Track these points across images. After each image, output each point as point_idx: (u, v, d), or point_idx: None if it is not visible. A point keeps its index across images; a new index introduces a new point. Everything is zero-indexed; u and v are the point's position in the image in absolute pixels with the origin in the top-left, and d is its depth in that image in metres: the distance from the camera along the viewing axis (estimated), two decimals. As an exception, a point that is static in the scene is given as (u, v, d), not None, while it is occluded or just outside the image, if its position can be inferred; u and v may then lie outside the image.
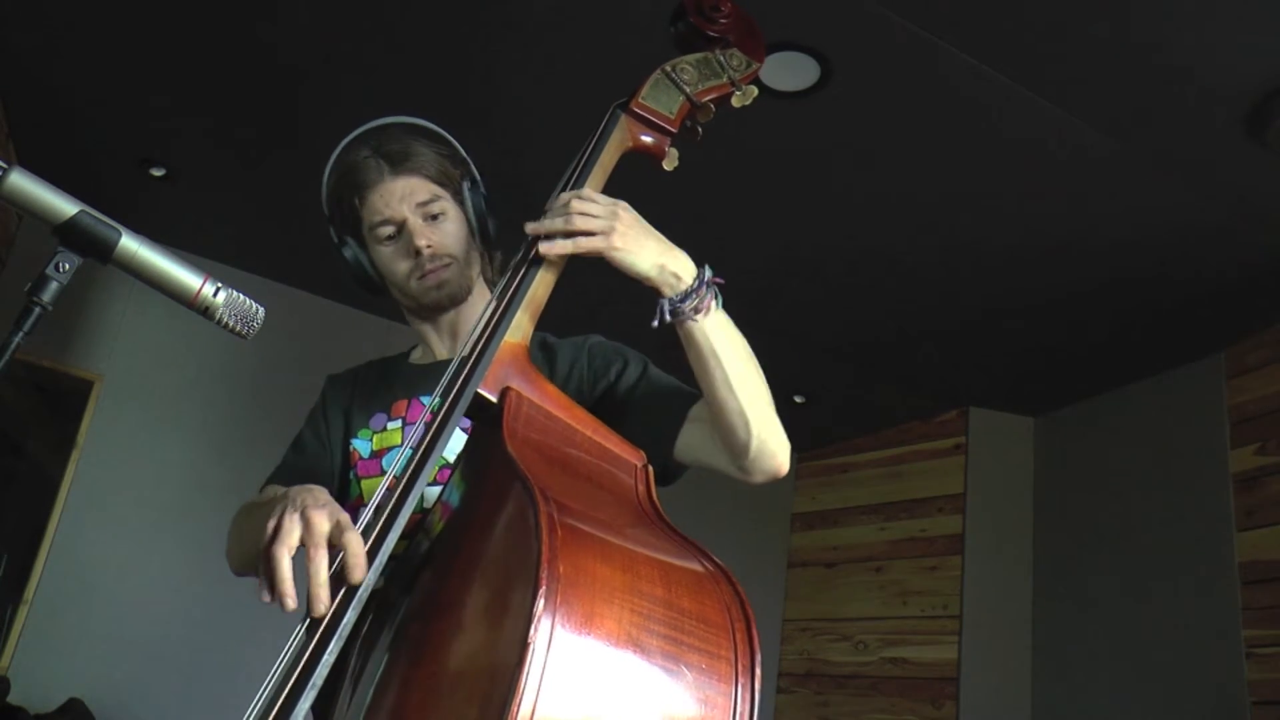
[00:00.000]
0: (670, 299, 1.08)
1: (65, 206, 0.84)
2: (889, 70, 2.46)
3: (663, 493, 1.04)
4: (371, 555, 0.87)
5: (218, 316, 0.89)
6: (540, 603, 0.68)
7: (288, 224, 3.64)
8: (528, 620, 0.67)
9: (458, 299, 1.36)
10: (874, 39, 2.34)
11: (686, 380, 1.21)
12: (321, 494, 0.98)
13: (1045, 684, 4.17)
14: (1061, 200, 2.92)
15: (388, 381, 1.42)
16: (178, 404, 3.93)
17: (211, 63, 2.78)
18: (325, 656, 0.81)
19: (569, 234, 1.07)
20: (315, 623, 0.84)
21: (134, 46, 2.76)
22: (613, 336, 1.38)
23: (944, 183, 2.93)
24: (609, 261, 1.07)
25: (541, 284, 1.08)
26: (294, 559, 0.88)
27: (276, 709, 0.79)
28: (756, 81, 1.27)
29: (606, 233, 1.06)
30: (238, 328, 0.90)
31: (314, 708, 1.16)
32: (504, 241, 1.37)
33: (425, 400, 1.33)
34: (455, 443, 1.05)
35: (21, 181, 0.83)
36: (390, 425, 1.36)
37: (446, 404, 0.97)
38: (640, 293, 1.10)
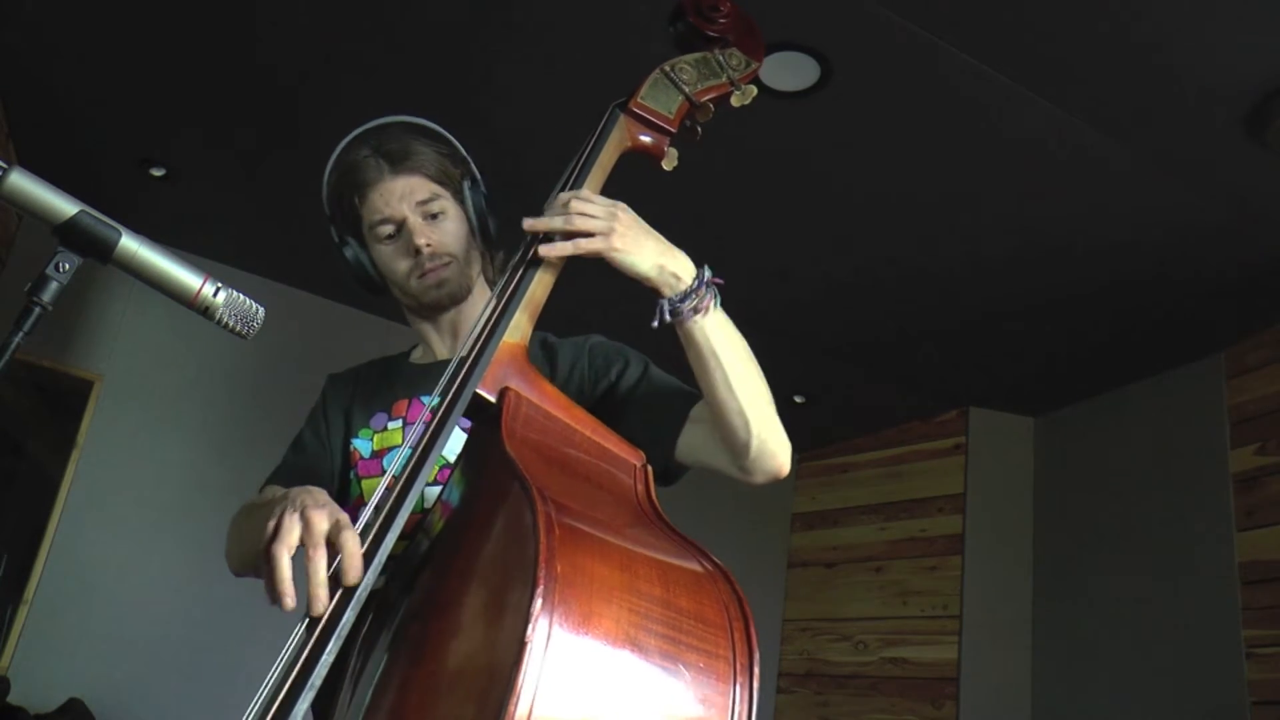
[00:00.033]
0: (670, 299, 1.08)
1: (65, 206, 0.84)
2: (889, 70, 2.46)
3: (663, 493, 1.04)
4: (370, 555, 0.87)
5: (218, 316, 0.90)
6: (538, 602, 0.68)
7: (288, 224, 3.64)
8: (525, 619, 0.67)
9: (458, 298, 1.36)
10: (874, 39, 2.34)
11: (687, 381, 1.21)
12: (321, 494, 0.98)
13: (1045, 684, 4.17)
14: (1061, 200, 2.92)
15: (388, 381, 1.42)
16: (178, 404, 3.93)
17: (211, 63, 2.78)
18: (324, 656, 0.81)
19: (568, 234, 1.07)
20: (314, 623, 0.84)
21: (134, 47, 2.76)
22: (614, 337, 1.38)
23: (944, 183, 2.93)
24: (608, 262, 1.07)
25: (540, 284, 1.08)
26: (294, 559, 0.89)
27: (275, 709, 0.79)
28: (756, 81, 1.27)
29: (606, 233, 1.06)
30: (238, 328, 0.91)
31: (314, 707, 1.17)
32: (505, 241, 1.36)
33: (426, 400, 1.33)
34: (455, 442, 1.05)
35: (21, 181, 0.83)
36: (391, 425, 1.36)
37: (445, 404, 0.97)
38: (641, 293, 1.10)
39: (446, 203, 1.33)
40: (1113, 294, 3.38)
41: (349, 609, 0.83)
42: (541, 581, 0.69)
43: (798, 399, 4.60)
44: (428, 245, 1.30)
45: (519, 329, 1.04)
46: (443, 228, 1.32)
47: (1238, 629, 3.35)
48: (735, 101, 1.26)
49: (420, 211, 1.31)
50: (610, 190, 1.16)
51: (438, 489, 1.22)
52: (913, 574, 4.60)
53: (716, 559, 0.83)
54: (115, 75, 2.91)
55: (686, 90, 1.22)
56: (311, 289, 4.20)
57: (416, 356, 1.46)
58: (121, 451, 3.78)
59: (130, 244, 0.86)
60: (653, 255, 1.08)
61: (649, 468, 1.00)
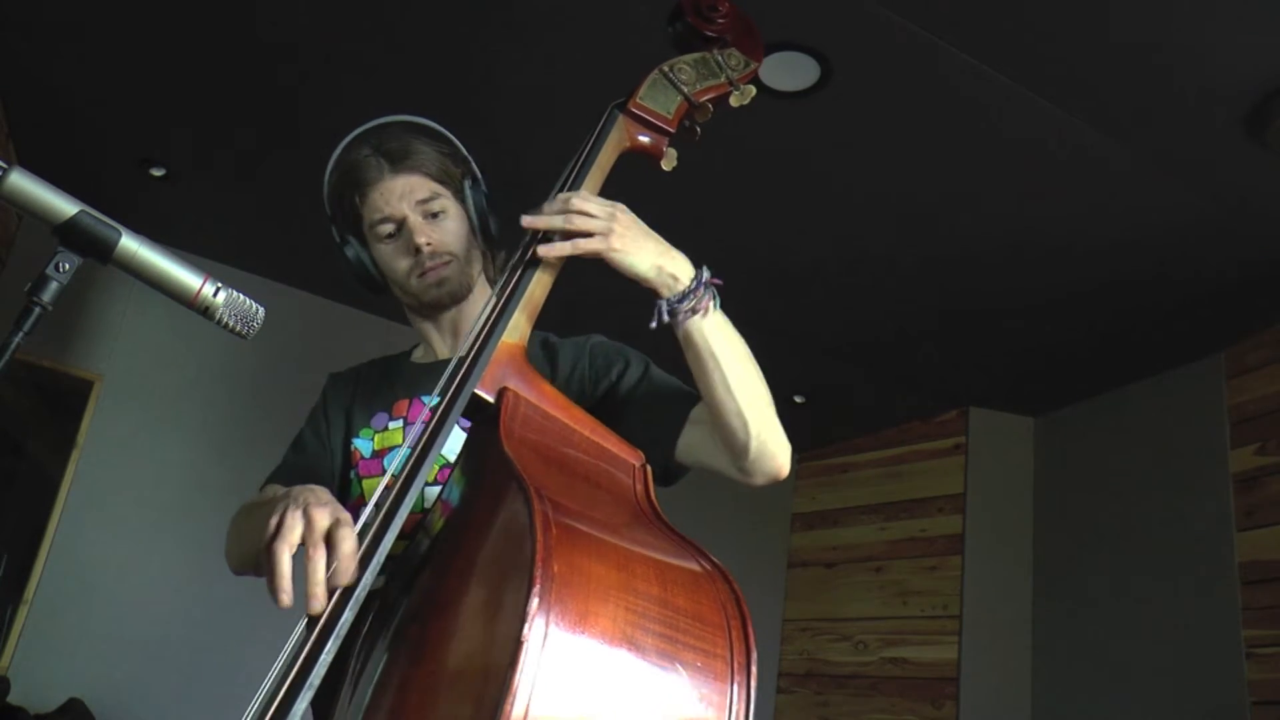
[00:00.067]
0: (668, 299, 1.08)
1: (65, 206, 0.84)
2: (889, 70, 2.46)
3: (663, 493, 1.04)
4: (369, 556, 0.87)
5: (218, 316, 0.90)
6: (534, 601, 0.68)
7: (288, 224, 3.64)
8: (521, 618, 0.68)
9: (458, 296, 1.36)
10: (874, 39, 2.34)
11: (687, 381, 1.21)
12: (324, 493, 0.98)
13: (1045, 684, 4.17)
14: (1061, 200, 2.92)
15: (389, 381, 1.42)
16: (178, 404, 3.93)
17: (211, 63, 2.79)
18: (322, 656, 0.81)
19: (567, 234, 1.07)
20: (313, 622, 0.84)
21: (134, 46, 2.76)
22: (615, 336, 1.38)
23: (944, 183, 2.93)
24: (607, 262, 1.07)
25: (539, 285, 1.08)
26: (296, 557, 0.89)
27: (274, 709, 0.79)
28: (755, 81, 1.27)
29: (605, 233, 1.06)
30: (238, 328, 0.91)
31: (314, 707, 1.17)
32: (506, 240, 1.37)
33: (427, 400, 1.33)
34: (455, 442, 1.05)
35: (21, 181, 0.83)
36: (392, 425, 1.36)
37: (443, 404, 0.97)
38: (641, 293, 1.10)
39: (447, 201, 1.33)
40: (1113, 294, 3.38)
41: (347, 609, 0.84)
42: (538, 581, 0.69)
43: (798, 399, 4.60)
44: (428, 244, 1.30)
45: (517, 329, 1.05)
46: (443, 226, 1.32)
47: (1238, 629, 3.34)
48: (734, 101, 1.26)
49: (420, 210, 1.31)
50: (609, 190, 1.16)
51: (437, 489, 1.22)
52: (913, 574, 4.60)
53: (714, 558, 0.83)
54: (115, 75, 2.91)
55: (685, 90, 1.22)
56: (311, 289, 4.20)
57: (418, 356, 1.46)
58: (121, 451, 3.78)
59: (130, 244, 0.87)
60: (651, 256, 1.08)
61: (648, 467, 1.00)
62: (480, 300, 1.36)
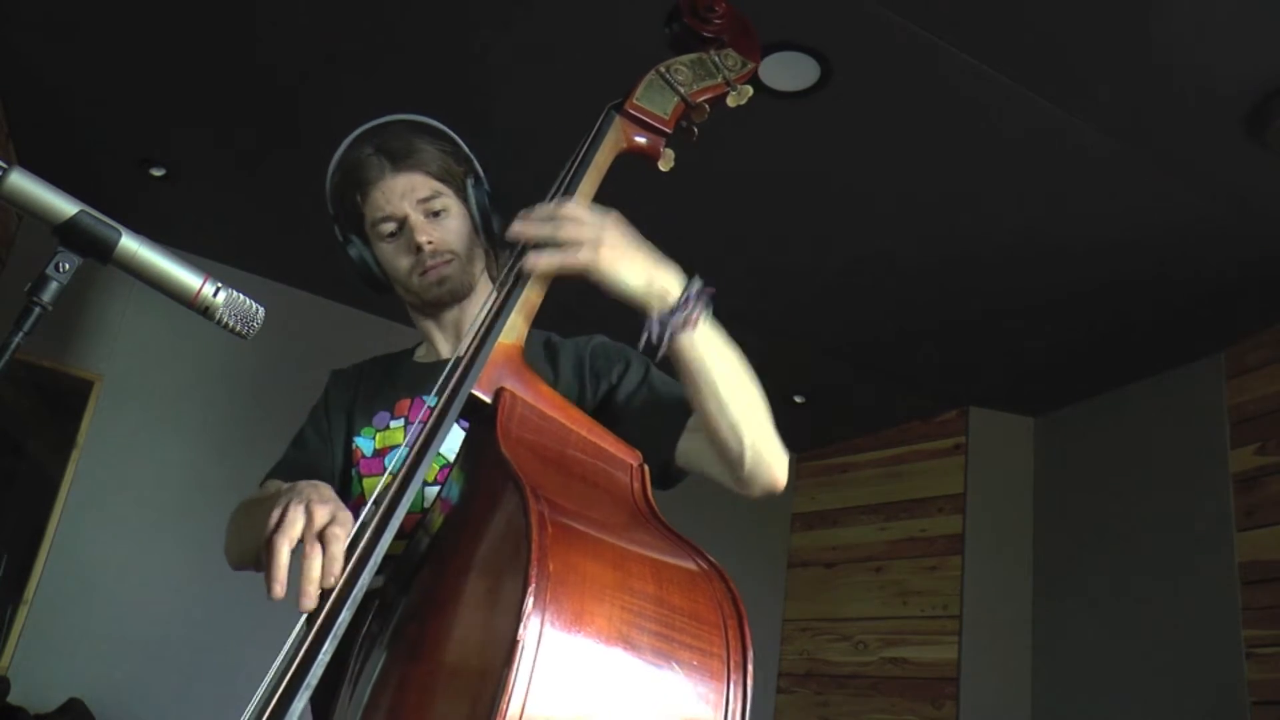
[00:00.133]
0: (658, 317, 1.04)
1: (65, 206, 0.85)
2: (889, 70, 2.46)
3: (663, 492, 1.04)
4: (366, 555, 0.87)
5: (218, 316, 0.90)
6: (530, 600, 0.68)
7: (288, 224, 3.64)
8: (517, 618, 0.68)
9: (459, 295, 1.36)
10: (874, 39, 2.34)
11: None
12: (326, 490, 0.99)
13: (1045, 684, 4.17)
14: (1061, 200, 2.92)
15: (392, 379, 1.42)
16: (178, 404, 3.93)
17: (212, 63, 2.79)
18: (320, 656, 0.81)
19: (556, 245, 1.04)
20: (311, 621, 0.85)
21: (134, 47, 2.76)
22: (615, 336, 1.38)
23: (944, 183, 2.93)
24: (595, 278, 1.04)
25: (534, 288, 1.08)
26: (294, 553, 0.89)
27: (272, 708, 0.80)
28: (753, 81, 1.27)
29: (594, 244, 1.03)
30: (238, 328, 0.91)
31: (314, 707, 1.17)
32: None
33: (428, 399, 1.34)
34: (454, 441, 1.05)
35: (21, 181, 0.83)
36: (393, 424, 1.36)
37: (440, 405, 0.97)
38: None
39: (449, 200, 1.33)
40: (1113, 294, 3.38)
41: (345, 609, 0.84)
42: (534, 580, 0.69)
43: (797, 399, 4.60)
44: (429, 243, 1.30)
45: (515, 329, 1.04)
46: (444, 225, 1.32)
47: (1238, 629, 3.34)
48: (731, 102, 1.26)
49: (422, 209, 1.31)
50: (607, 190, 1.15)
51: (436, 489, 1.22)
52: (913, 574, 4.60)
53: (711, 557, 0.83)
54: (115, 75, 2.91)
55: (682, 91, 1.22)
56: (311, 289, 4.20)
57: (420, 355, 1.46)
58: (121, 451, 3.78)
59: (130, 244, 0.87)
60: (642, 271, 1.05)
61: (645, 467, 1.00)
62: (483, 299, 1.36)
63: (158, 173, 3.42)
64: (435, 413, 0.97)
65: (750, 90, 1.25)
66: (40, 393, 3.78)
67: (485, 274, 1.39)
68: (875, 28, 2.30)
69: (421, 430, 0.96)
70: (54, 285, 0.84)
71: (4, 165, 0.82)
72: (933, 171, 2.88)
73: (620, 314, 1.10)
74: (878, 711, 4.51)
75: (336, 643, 0.82)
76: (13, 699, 3.27)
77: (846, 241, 3.33)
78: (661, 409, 1.23)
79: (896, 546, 4.71)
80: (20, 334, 0.82)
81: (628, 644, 0.72)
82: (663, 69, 1.23)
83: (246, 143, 3.21)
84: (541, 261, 1.05)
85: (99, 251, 0.86)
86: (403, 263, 1.33)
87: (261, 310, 0.92)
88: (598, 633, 0.71)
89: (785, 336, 4.00)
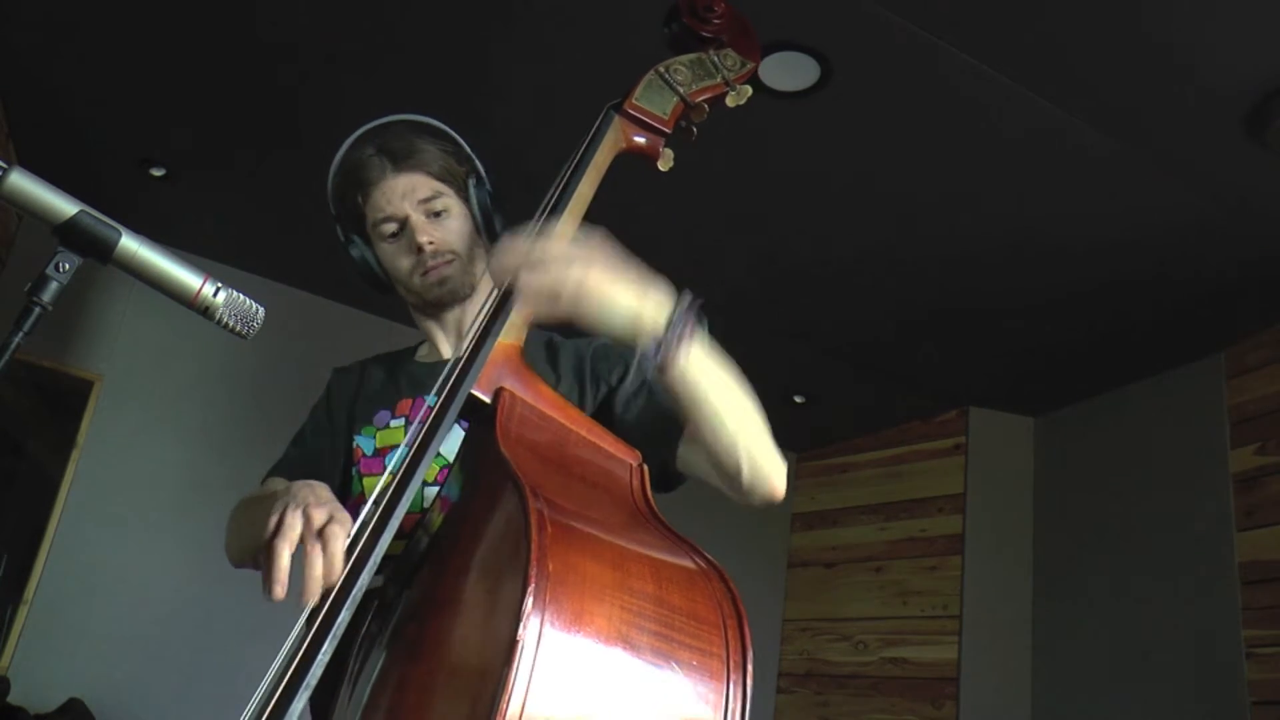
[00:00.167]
0: (649, 348, 0.98)
1: (65, 206, 0.85)
2: (889, 70, 2.46)
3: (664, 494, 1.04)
4: (365, 555, 0.88)
5: (218, 316, 0.90)
6: (529, 600, 0.68)
7: (288, 224, 3.64)
8: (516, 617, 0.68)
9: (460, 295, 1.36)
10: (874, 39, 2.34)
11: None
12: (324, 490, 0.98)
13: (1045, 684, 4.17)
14: (1061, 200, 2.92)
15: (393, 379, 1.42)
16: (178, 404, 3.93)
17: (212, 63, 2.79)
18: (320, 656, 0.81)
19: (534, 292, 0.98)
20: (311, 621, 0.85)
21: (134, 46, 2.76)
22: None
23: (944, 182, 2.93)
24: (577, 321, 0.98)
25: None
26: (294, 555, 0.90)
27: (271, 708, 0.80)
28: (753, 81, 1.27)
29: (577, 282, 0.96)
30: (238, 328, 0.91)
31: (314, 706, 1.17)
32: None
33: (429, 399, 1.34)
34: (454, 441, 1.05)
35: (21, 181, 0.83)
36: (394, 423, 1.36)
37: (439, 405, 0.97)
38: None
39: (450, 200, 1.33)
40: (1113, 293, 3.38)
41: (344, 608, 0.84)
42: (533, 580, 0.69)
43: (797, 399, 4.60)
44: (430, 243, 1.30)
45: (514, 330, 1.04)
46: (445, 225, 1.32)
47: (1238, 629, 3.34)
48: (730, 102, 1.26)
49: (423, 209, 1.31)
50: (606, 190, 1.15)
51: (436, 489, 1.22)
52: (913, 574, 4.60)
53: (710, 557, 0.83)
54: (115, 75, 2.91)
55: (681, 91, 1.22)
56: (311, 289, 4.20)
57: (422, 354, 1.46)
58: (121, 451, 3.78)
59: (130, 244, 0.87)
60: (625, 307, 0.98)
61: (645, 466, 1.00)
62: (484, 299, 1.35)
63: (158, 173, 3.42)
64: (434, 412, 0.97)
65: (749, 90, 1.25)
66: (40, 393, 3.78)
67: (486, 274, 1.39)
68: (875, 28, 2.30)
69: (420, 430, 0.96)
70: (54, 285, 0.84)
71: (4, 165, 0.82)
72: (933, 171, 2.87)
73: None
74: (878, 711, 4.51)
75: (336, 642, 0.82)
76: (13, 699, 3.27)
77: (846, 241, 3.33)
78: (660, 415, 1.21)
79: (896, 546, 4.71)
80: (20, 334, 0.82)
81: (627, 644, 0.72)
82: (662, 69, 1.23)
83: (247, 143, 3.21)
84: (519, 307, 1.02)
85: (99, 251, 0.86)
86: (404, 263, 1.33)
87: (261, 310, 0.92)
88: (597, 632, 0.71)
89: (785, 336, 4.00)
